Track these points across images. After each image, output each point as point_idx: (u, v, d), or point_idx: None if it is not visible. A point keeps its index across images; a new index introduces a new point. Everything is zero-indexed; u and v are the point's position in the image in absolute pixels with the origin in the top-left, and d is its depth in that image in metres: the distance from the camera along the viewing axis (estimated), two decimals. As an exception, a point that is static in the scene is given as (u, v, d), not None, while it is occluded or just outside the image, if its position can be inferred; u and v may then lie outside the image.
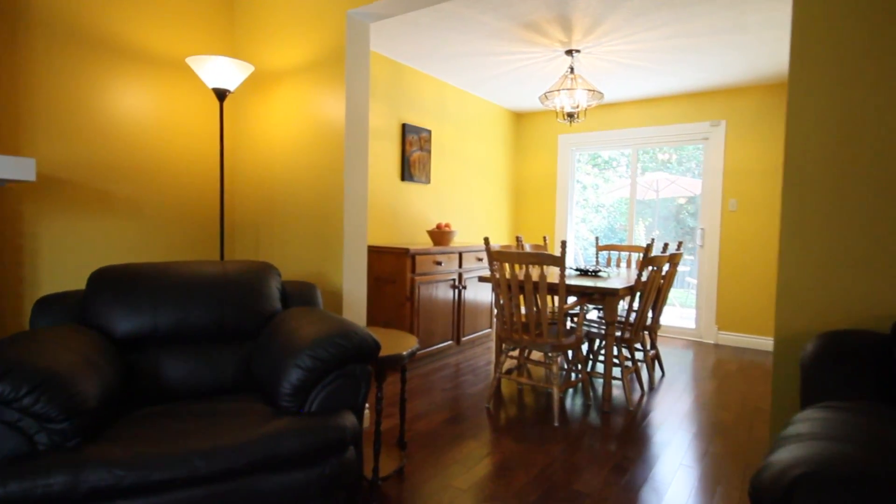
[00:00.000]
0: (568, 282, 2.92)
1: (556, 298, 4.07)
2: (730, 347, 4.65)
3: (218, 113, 2.67)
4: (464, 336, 4.23)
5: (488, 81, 4.54)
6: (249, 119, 2.77)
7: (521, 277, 2.99)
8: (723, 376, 3.69)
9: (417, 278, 3.64)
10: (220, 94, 2.23)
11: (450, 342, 4.05)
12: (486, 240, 2.82)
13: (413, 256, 3.61)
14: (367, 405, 2.79)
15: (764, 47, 3.51)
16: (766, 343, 4.57)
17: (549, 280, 2.98)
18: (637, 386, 3.41)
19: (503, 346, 2.91)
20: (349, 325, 1.62)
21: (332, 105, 2.39)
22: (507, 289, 2.79)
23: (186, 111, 2.59)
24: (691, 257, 7.66)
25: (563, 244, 2.55)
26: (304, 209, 2.53)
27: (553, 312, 3.43)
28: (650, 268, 2.91)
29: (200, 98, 2.65)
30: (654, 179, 7.86)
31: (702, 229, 4.90)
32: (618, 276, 3.35)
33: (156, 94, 2.45)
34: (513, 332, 2.84)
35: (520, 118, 5.89)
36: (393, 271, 3.63)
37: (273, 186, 2.67)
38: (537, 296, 2.68)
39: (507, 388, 3.30)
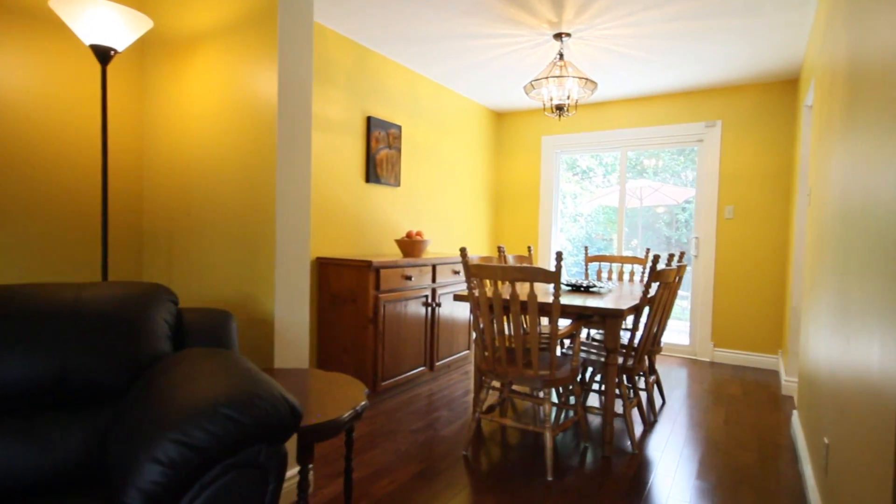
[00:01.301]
0: (562, 300, 2.40)
1: (546, 321, 3.55)
2: (727, 366, 4.21)
3: (104, 83, 2.08)
4: (438, 360, 3.67)
5: (466, 73, 4.04)
6: (160, 96, 2.19)
7: (506, 296, 2.46)
8: (728, 402, 3.22)
9: (382, 296, 3.07)
10: (102, 55, 1.65)
11: (422, 368, 3.49)
12: (463, 251, 2.29)
13: (377, 270, 3.05)
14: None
15: (774, 34, 3.10)
16: (766, 361, 4.14)
17: (540, 299, 2.46)
18: (637, 416, 2.91)
19: (482, 378, 2.37)
20: (256, 381, 1.06)
21: (262, 81, 1.83)
22: (488, 310, 2.26)
23: (61, 82, 1.99)
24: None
25: (559, 256, 2.03)
26: (227, 213, 1.96)
27: (542, 336, 2.91)
28: (656, 283, 2.41)
29: (87, 66, 2.06)
30: (637, 187, 7.50)
31: (696, 238, 4.48)
32: (614, 292, 2.86)
33: (17, 58, 1.85)
34: (495, 363, 2.30)
35: (500, 118, 5.41)
36: (353, 288, 3.06)
37: (189, 184, 2.09)
38: (525, 318, 2.15)
39: (488, 426, 2.75)
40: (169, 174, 2.18)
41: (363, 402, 1.36)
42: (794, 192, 3.63)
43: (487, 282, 3.17)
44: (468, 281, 2.29)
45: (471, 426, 2.40)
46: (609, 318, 2.29)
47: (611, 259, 3.84)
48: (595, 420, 2.87)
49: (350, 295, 3.08)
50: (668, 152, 5.27)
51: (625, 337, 3.07)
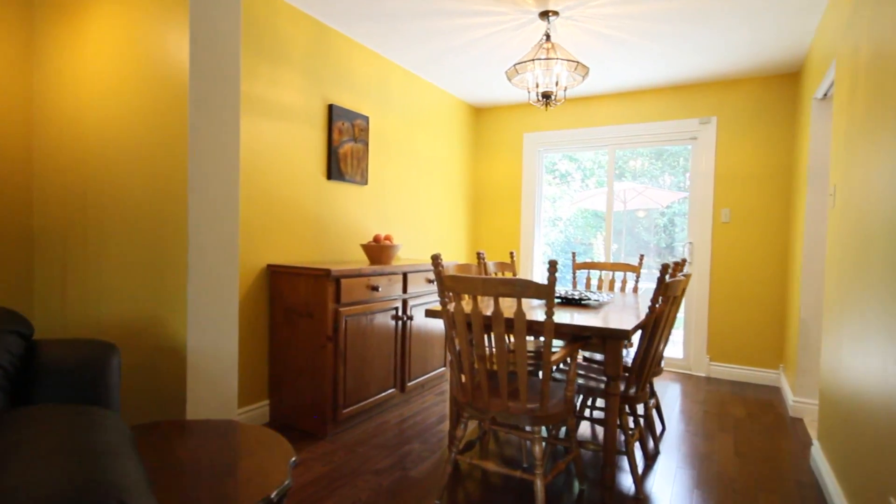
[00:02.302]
0: (556, 319, 2.02)
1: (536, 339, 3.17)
2: (724, 382, 3.90)
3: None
4: (410, 380, 3.25)
5: (441, 60, 3.65)
6: (52, 66, 1.73)
7: (487, 312, 2.07)
8: (734, 426, 2.89)
9: (344, 310, 2.65)
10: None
11: (391, 391, 3.07)
12: (436, 258, 1.89)
13: (337, 280, 2.62)
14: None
15: (783, 19, 2.80)
16: (766, 376, 3.85)
17: (528, 316, 2.08)
18: (638, 447, 2.55)
19: (459, 413, 1.97)
20: (91, 478, 0.63)
21: (169, 43, 1.40)
22: (465, 329, 1.86)
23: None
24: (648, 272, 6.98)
25: (553, 267, 1.65)
26: (130, 211, 1.52)
27: (529, 357, 2.53)
28: (659, 297, 2.05)
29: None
30: (621, 189, 7.23)
31: (689, 243, 4.17)
32: (609, 305, 2.49)
33: None
34: (474, 393, 1.90)
35: (479, 113, 5.04)
36: (309, 301, 2.63)
37: (87, 174, 1.64)
38: (510, 339, 1.77)
39: (467, 465, 2.35)
40: (65, 162, 1.72)
41: (285, 482, 0.94)
42: (799, 192, 3.34)
43: (466, 296, 2.77)
44: (441, 295, 1.89)
45: (446, 469, 2.00)
46: (611, 340, 1.92)
47: (601, 266, 3.49)
48: (588, 452, 2.50)
49: (306, 308, 2.64)
50: (654, 153, 4.98)
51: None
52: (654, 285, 1.96)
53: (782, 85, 3.77)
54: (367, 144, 3.48)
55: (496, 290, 1.70)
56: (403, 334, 3.15)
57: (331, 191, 3.21)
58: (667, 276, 1.94)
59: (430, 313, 2.15)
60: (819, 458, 2.27)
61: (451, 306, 1.90)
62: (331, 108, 3.16)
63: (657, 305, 1.99)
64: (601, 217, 4.85)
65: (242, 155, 2.60)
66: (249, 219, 2.65)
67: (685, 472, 2.29)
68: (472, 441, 2.20)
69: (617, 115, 4.39)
